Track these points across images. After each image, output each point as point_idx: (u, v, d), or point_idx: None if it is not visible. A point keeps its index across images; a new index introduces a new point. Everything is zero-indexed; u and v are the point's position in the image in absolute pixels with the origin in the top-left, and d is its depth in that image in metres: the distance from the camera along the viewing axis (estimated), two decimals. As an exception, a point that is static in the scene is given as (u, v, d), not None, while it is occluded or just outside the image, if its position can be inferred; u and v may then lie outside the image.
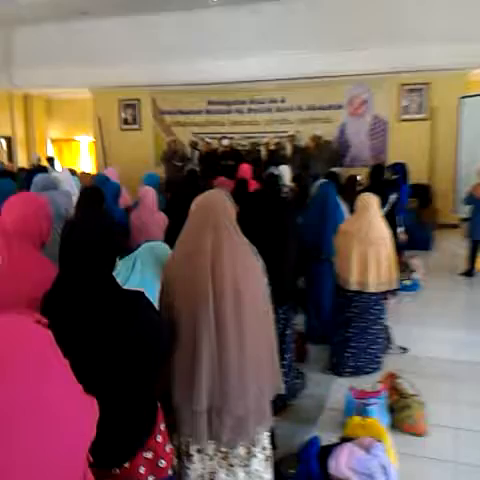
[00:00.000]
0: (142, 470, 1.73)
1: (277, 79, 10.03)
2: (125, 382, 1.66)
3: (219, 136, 10.47)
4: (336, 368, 4.01)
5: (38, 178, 3.69)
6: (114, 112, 11.37)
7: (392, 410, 3.30)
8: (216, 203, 2.00)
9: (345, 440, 2.75)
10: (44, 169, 6.19)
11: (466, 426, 3.33)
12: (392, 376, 3.55)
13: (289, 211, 3.37)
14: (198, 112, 11.06)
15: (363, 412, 3.09)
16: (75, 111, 12.35)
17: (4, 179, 4.13)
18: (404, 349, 4.49)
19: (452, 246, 8.27)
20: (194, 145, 10.22)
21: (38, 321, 1.13)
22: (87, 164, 11.89)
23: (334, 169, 7.09)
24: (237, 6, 9.46)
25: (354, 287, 3.78)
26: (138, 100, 11.26)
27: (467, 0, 8.35)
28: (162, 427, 1.84)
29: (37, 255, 2.11)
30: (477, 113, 8.40)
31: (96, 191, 3.86)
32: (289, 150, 9.82)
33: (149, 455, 1.76)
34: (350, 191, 5.12)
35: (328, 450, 2.61)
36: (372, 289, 3.76)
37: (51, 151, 12.49)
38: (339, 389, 3.73)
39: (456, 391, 3.80)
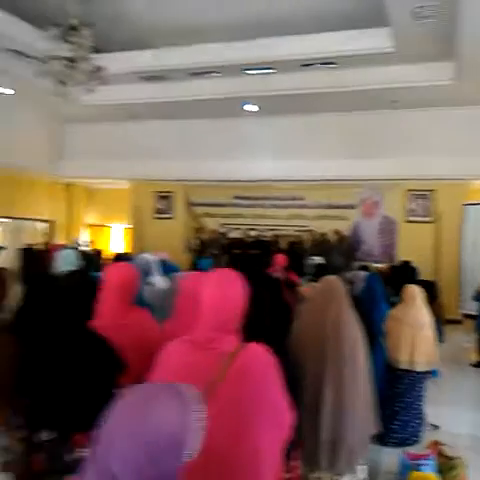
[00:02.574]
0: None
1: (296, 180, 11.17)
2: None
3: (243, 227, 11.45)
4: (383, 439, 4.52)
5: (139, 261, 4.43)
6: (149, 202, 12.42)
7: (440, 471, 3.84)
8: (338, 286, 2.76)
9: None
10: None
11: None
12: (436, 443, 4.11)
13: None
14: (225, 205, 12.13)
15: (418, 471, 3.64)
16: (111, 200, 13.47)
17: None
18: (436, 426, 5.01)
19: (459, 340, 8.93)
20: (223, 235, 11.18)
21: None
22: (119, 249, 12.69)
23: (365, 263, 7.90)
24: (264, 117, 10.81)
25: (403, 366, 4.43)
26: (172, 192, 12.35)
27: (468, 117, 9.63)
28: (296, 454, 2.45)
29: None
30: (479, 219, 9.41)
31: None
32: (308, 242, 10.77)
33: (288, 475, 2.36)
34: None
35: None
36: (419, 368, 4.41)
37: (86, 236, 13.39)
38: (388, 456, 4.26)
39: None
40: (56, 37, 5.58)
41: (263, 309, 2.28)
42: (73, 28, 5.66)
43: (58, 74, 5.73)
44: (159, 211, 12.52)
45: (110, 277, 2.63)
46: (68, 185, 13.16)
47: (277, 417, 1.73)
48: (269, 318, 2.37)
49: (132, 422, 1.04)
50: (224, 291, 1.81)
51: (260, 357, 1.76)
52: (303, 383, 2.56)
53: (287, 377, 2.10)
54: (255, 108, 10.38)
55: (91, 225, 13.98)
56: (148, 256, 4.86)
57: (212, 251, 10.38)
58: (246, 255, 10.30)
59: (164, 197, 12.46)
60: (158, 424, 1.03)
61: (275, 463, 1.75)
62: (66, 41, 5.67)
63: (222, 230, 11.58)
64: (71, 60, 5.64)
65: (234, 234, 11.29)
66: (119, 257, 6.17)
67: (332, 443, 2.57)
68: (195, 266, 7.54)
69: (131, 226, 12.55)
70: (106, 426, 1.07)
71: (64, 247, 6.47)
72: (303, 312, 2.82)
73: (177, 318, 2.68)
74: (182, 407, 1.07)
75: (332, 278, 2.87)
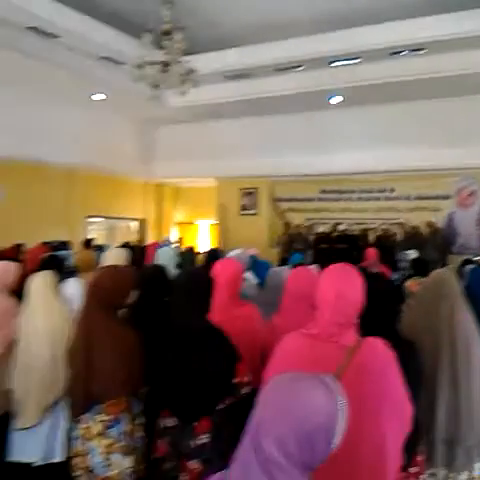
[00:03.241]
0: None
1: (385, 172, 10.86)
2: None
3: (330, 222, 11.32)
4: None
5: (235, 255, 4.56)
6: (235, 199, 12.63)
7: None
8: (451, 281, 2.66)
9: None
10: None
11: None
12: None
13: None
14: (310, 199, 12.06)
15: None
16: (198, 198, 13.88)
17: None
18: None
19: None
20: (308, 229, 11.14)
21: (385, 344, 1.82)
22: (205, 245, 13.02)
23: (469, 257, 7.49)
24: (350, 108, 10.62)
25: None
26: (256, 188, 12.48)
27: None
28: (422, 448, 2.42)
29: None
30: None
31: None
32: (399, 236, 10.44)
33: (415, 469, 2.33)
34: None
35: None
36: None
37: (176, 233, 13.91)
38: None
39: None
40: (150, 43, 5.81)
41: (378, 303, 2.26)
42: (166, 33, 5.87)
43: (153, 78, 5.97)
44: (244, 207, 12.69)
45: (219, 273, 2.73)
46: (158, 185, 13.71)
47: (399, 411, 1.74)
48: (384, 312, 2.35)
49: (284, 409, 1.09)
50: (344, 285, 1.82)
51: (380, 351, 1.77)
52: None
53: (410, 369, 2.08)
54: (340, 99, 10.21)
55: (179, 223, 14.49)
56: (242, 252, 4.98)
57: (297, 246, 10.34)
58: (333, 250, 10.17)
59: (249, 193, 12.61)
60: (309, 411, 1.08)
61: (397, 457, 1.76)
62: (160, 46, 5.90)
63: (307, 224, 11.53)
64: (165, 64, 5.86)
65: (321, 229, 11.19)
66: (212, 254, 6.34)
67: (448, 442, 2.51)
68: (284, 261, 7.59)
69: (217, 223, 12.81)
70: (257, 413, 1.13)
71: (160, 245, 6.74)
72: (411, 308, 2.75)
73: (286, 313, 2.73)
74: (329, 396, 1.12)
75: (444, 272, 2.78)
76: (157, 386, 2.36)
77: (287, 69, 9.16)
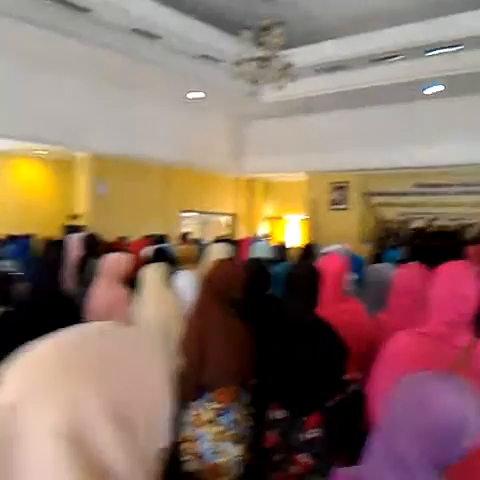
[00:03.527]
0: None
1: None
2: None
3: (425, 217, 10.89)
4: None
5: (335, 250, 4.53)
6: (325, 193, 12.51)
7: None
8: None
9: None
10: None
11: None
12: None
13: None
14: (404, 194, 11.64)
15: None
16: (288, 192, 13.90)
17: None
18: None
19: None
20: (403, 224, 10.79)
21: None
22: (294, 240, 13.01)
23: None
24: (447, 98, 10.11)
25: None
26: (347, 182, 12.27)
27: None
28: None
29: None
30: None
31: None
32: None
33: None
34: None
35: None
36: None
37: (265, 227, 14.06)
38: None
39: None
40: (249, 39, 5.88)
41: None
42: (265, 29, 5.92)
43: (251, 75, 6.04)
44: (334, 202, 12.49)
45: (325, 268, 2.74)
46: (249, 180, 13.87)
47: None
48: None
49: (417, 410, 1.10)
50: (459, 283, 1.78)
51: None
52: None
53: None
54: (439, 88, 9.76)
55: (269, 217, 14.60)
56: (341, 247, 4.93)
57: (391, 242, 10.05)
58: (431, 246, 9.77)
59: (339, 188, 12.39)
60: (442, 411, 1.08)
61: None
62: (258, 42, 5.95)
63: (401, 219, 11.16)
64: (263, 60, 5.91)
65: (415, 224, 10.79)
66: (307, 249, 6.37)
67: None
68: (378, 257, 7.41)
69: (307, 217, 12.74)
70: (391, 411, 1.14)
71: (254, 239, 6.84)
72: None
73: (393, 310, 2.69)
74: (461, 395, 1.11)
75: None
76: (267, 378, 2.41)
77: (383, 59, 8.91)
